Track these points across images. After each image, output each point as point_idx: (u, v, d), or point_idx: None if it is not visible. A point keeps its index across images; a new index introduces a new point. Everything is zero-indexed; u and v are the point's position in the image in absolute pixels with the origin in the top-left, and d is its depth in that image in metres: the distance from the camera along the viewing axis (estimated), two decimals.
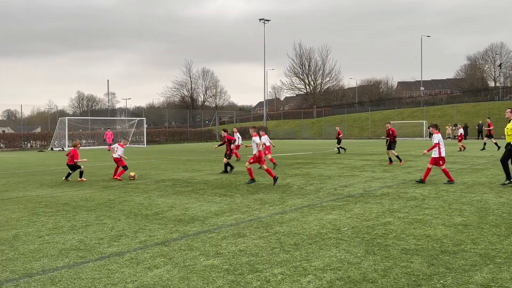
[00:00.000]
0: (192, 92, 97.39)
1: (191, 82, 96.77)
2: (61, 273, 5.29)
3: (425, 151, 13.04)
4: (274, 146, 20.35)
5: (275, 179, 12.83)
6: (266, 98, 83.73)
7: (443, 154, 12.50)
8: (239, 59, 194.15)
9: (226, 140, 16.62)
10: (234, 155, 22.34)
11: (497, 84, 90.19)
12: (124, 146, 15.97)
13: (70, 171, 15.06)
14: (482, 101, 69.22)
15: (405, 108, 76.15)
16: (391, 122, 21.02)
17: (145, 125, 51.08)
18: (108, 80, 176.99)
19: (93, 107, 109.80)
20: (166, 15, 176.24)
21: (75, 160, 14.98)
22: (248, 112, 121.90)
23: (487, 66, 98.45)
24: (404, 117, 68.21)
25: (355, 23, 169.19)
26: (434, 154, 12.53)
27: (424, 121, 59.30)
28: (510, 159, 11.93)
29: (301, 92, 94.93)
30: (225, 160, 16.53)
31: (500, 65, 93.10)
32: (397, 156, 18.89)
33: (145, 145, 48.03)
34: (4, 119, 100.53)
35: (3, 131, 67.36)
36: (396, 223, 7.56)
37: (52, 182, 14.72)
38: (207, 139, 62.38)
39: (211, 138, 63.61)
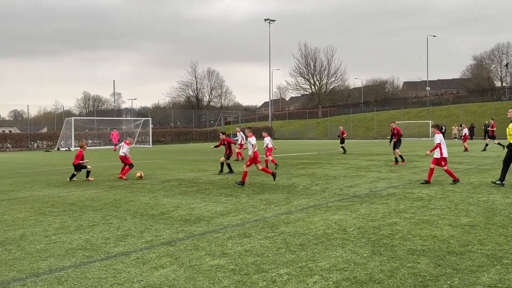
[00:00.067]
0: (197, 92, 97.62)
1: (196, 82, 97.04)
2: (68, 273, 5.31)
3: (428, 152, 12.95)
4: (275, 148, 20.26)
5: (273, 175, 13.18)
6: (271, 98, 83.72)
7: (445, 155, 12.41)
8: (245, 59, 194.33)
9: (225, 143, 16.62)
10: (237, 154, 22.67)
11: (504, 84, 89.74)
12: (129, 144, 16.10)
13: (75, 172, 15.13)
14: (489, 101, 68.83)
15: (411, 108, 75.90)
16: (396, 121, 20.93)
17: (150, 125, 51.21)
18: (114, 81, 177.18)
19: (99, 107, 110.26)
20: (172, 15, 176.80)
21: (78, 161, 15.08)
22: (253, 112, 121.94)
23: (493, 66, 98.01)
24: (410, 117, 67.98)
25: (361, 23, 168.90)
26: (436, 154, 12.44)
27: (430, 121, 59.05)
28: None
29: (307, 92, 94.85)
30: (222, 159, 16.53)
31: (506, 65, 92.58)
32: (400, 156, 18.82)
33: (150, 145, 48.15)
34: (11, 119, 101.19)
35: (10, 131, 67.79)
36: (402, 224, 7.53)
37: (58, 182, 14.79)
38: (213, 139, 62.45)
39: (216, 138, 63.62)
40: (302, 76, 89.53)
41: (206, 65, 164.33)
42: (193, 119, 75.07)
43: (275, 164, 18.25)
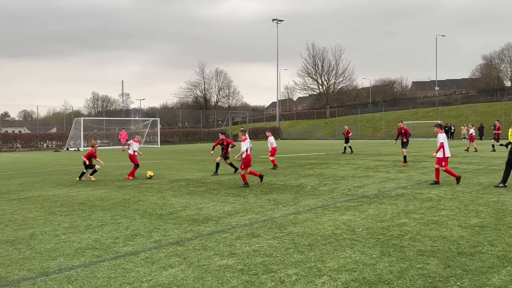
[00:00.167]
0: (205, 93, 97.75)
1: (204, 82, 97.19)
2: (77, 272, 5.35)
3: (435, 154, 12.62)
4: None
5: (260, 177, 13.26)
6: (279, 99, 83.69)
7: (447, 155, 12.29)
8: (252, 60, 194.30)
9: (225, 143, 16.53)
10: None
11: None
12: (138, 142, 16.22)
13: (84, 170, 15.23)
14: (498, 101, 68.25)
15: (420, 108, 75.47)
16: (403, 121, 20.78)
17: (159, 126, 51.39)
18: (122, 81, 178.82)
19: (108, 108, 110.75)
20: (180, 15, 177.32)
21: (86, 157, 15.21)
22: (261, 112, 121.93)
23: (503, 65, 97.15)
24: (418, 117, 67.58)
25: (369, 23, 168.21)
26: (439, 154, 12.35)
27: (439, 121, 58.68)
28: None
29: (314, 92, 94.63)
30: (218, 159, 16.50)
31: None
32: (404, 156, 18.71)
33: (159, 145, 48.32)
34: (21, 119, 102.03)
35: (20, 131, 68.37)
36: (411, 224, 7.49)
37: (68, 182, 14.89)
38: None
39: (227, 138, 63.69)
40: (310, 76, 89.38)
41: (214, 66, 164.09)
42: (201, 119, 75.21)
43: (274, 165, 18.25)
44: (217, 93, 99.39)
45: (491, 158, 21.67)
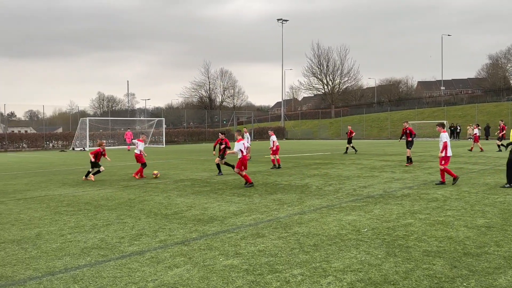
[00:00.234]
0: (210, 93, 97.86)
1: (209, 82, 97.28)
2: (83, 272, 5.37)
3: (440, 153, 12.50)
4: (271, 148, 20.10)
5: (251, 184, 12.70)
6: (284, 98, 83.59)
7: (448, 154, 12.22)
8: (257, 59, 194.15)
9: (223, 143, 16.53)
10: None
11: None
12: (143, 141, 16.30)
13: (90, 169, 15.29)
14: (504, 100, 67.84)
15: (425, 108, 75.12)
16: (408, 121, 20.68)
17: (164, 126, 51.47)
18: (128, 81, 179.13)
19: (113, 108, 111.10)
20: (185, 15, 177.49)
21: (90, 154, 15.30)
22: (266, 112, 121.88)
23: (509, 65, 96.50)
24: (424, 117, 67.32)
25: (374, 23, 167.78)
26: (441, 153, 12.30)
27: (445, 121, 58.36)
28: None
29: (319, 92, 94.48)
30: (217, 160, 16.54)
31: None
32: (407, 157, 18.63)
33: (164, 145, 48.42)
34: (27, 119, 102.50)
35: (26, 131, 68.71)
36: (417, 225, 7.46)
37: (73, 182, 14.95)
38: None
39: (229, 138, 63.79)
40: (315, 76, 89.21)
41: (219, 66, 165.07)
42: (206, 119, 75.27)
43: (274, 165, 18.28)
44: (222, 93, 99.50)
45: (497, 158, 21.55)
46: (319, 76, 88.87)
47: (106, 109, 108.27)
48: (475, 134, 28.42)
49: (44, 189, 13.11)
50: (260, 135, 63.61)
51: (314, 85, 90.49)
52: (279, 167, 18.16)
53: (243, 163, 12.77)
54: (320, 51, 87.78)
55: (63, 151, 40.86)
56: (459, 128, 54.67)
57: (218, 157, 16.45)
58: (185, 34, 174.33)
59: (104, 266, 5.55)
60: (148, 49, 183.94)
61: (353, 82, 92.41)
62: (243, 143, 12.93)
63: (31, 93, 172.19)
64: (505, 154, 24.49)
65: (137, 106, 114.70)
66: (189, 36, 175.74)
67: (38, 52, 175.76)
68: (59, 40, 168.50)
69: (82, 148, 42.49)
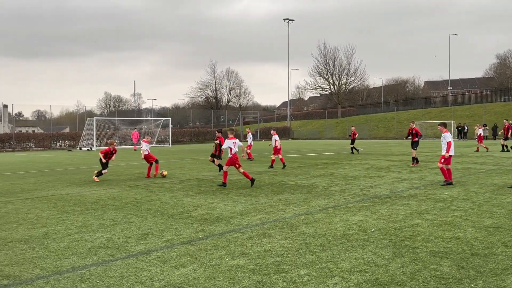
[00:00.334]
0: (216, 93, 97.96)
1: (215, 82, 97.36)
2: (90, 271, 5.39)
3: (446, 154, 12.37)
4: (270, 145, 20.07)
5: (252, 181, 12.73)
6: (290, 98, 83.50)
7: (450, 153, 12.14)
8: (263, 59, 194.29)
9: (218, 142, 16.51)
10: (248, 154, 23.30)
11: None
12: (148, 142, 16.36)
13: (102, 170, 15.33)
14: None
15: (433, 108, 74.74)
16: (415, 122, 20.57)
17: (170, 125, 51.60)
18: (134, 81, 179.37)
19: (120, 108, 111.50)
20: (192, 15, 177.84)
21: (103, 154, 15.34)
22: (272, 112, 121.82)
23: None
24: (431, 117, 66.97)
25: (381, 22, 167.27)
26: (442, 152, 12.22)
27: (452, 121, 58.03)
28: None
29: (326, 92, 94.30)
30: (216, 161, 16.57)
31: None
32: (413, 157, 18.54)
33: (170, 145, 48.53)
34: (34, 119, 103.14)
35: (33, 131, 69.14)
36: (424, 225, 7.42)
37: (81, 181, 15.02)
38: None
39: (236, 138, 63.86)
40: (321, 76, 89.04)
41: (225, 65, 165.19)
42: (212, 119, 75.37)
43: (279, 164, 18.31)
44: (228, 93, 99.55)
45: (505, 158, 21.39)
46: (325, 76, 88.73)
47: (113, 109, 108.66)
48: (480, 134, 28.33)
49: (52, 189, 13.18)
50: (266, 135, 63.59)
51: (320, 84, 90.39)
52: (283, 167, 18.16)
53: (233, 161, 12.74)
54: (326, 50, 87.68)
55: (70, 150, 41.07)
56: (466, 128, 54.32)
57: (216, 158, 16.54)
58: (191, 34, 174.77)
59: (111, 266, 5.57)
60: (155, 49, 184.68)
61: (359, 82, 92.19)
62: (233, 142, 12.84)
63: (39, 93, 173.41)
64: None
65: (143, 106, 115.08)
66: (196, 36, 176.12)
67: (45, 53, 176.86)
68: (67, 40, 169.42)
69: (89, 148, 42.69)
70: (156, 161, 16.04)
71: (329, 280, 4.89)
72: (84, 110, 75.70)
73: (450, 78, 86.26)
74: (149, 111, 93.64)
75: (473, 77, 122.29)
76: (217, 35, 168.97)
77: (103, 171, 15.19)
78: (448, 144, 12.12)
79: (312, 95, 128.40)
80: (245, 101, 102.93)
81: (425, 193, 10.97)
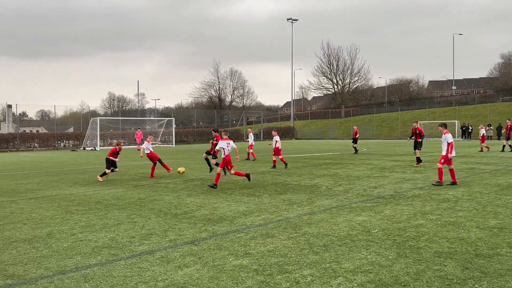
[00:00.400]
0: (219, 93, 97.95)
1: (219, 82, 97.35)
2: (94, 271, 5.40)
3: (449, 155, 12.32)
4: (270, 144, 20.21)
5: (247, 176, 12.94)
6: (293, 98, 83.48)
7: (452, 154, 12.08)
8: (267, 59, 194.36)
9: (215, 140, 16.55)
10: (251, 154, 23.52)
11: None
12: (150, 141, 16.41)
13: (113, 168, 15.35)
14: None
15: (437, 108, 74.55)
16: (418, 122, 20.51)
17: (173, 125, 51.69)
18: (138, 81, 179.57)
19: (124, 108, 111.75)
20: (195, 15, 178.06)
21: (110, 156, 15.38)
22: (275, 112, 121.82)
23: None
24: (435, 117, 66.80)
25: (385, 22, 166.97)
26: (443, 152, 12.18)
27: (456, 121, 57.89)
28: None
29: (329, 92, 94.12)
30: (214, 161, 16.59)
31: None
32: (417, 158, 18.48)
33: (173, 145, 48.60)
34: (38, 119, 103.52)
35: (37, 131, 69.36)
36: (428, 226, 7.40)
37: (84, 181, 15.05)
38: (234, 140, 62.62)
39: (238, 138, 63.85)
40: (324, 76, 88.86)
41: (228, 65, 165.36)
42: (216, 119, 75.42)
43: (282, 165, 18.32)
44: (231, 93, 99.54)
45: (510, 159, 21.31)
46: (329, 76, 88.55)
47: (117, 109, 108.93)
48: (483, 134, 28.31)
49: (55, 189, 13.22)
50: (269, 135, 63.54)
51: (323, 84, 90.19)
52: (285, 167, 18.15)
53: (226, 162, 12.71)
54: (330, 50, 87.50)
55: (74, 150, 41.18)
56: (470, 128, 54.16)
57: (213, 158, 16.57)
58: (195, 34, 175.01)
59: (114, 265, 5.58)
60: (158, 49, 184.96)
61: (363, 82, 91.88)
62: (227, 143, 12.81)
63: (43, 93, 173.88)
64: None
65: (147, 106, 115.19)
66: (199, 36, 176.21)
67: (49, 53, 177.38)
68: (70, 40, 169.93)
69: (93, 148, 42.79)
70: (159, 160, 16.06)
71: (332, 281, 4.88)
72: (88, 110, 75.80)
73: (454, 78, 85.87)
74: (153, 111, 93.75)
75: (478, 77, 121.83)
76: (220, 35, 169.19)
77: (106, 171, 15.22)
78: (450, 145, 12.07)
79: (315, 95, 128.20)
80: (248, 101, 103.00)
81: (429, 193, 10.93)
